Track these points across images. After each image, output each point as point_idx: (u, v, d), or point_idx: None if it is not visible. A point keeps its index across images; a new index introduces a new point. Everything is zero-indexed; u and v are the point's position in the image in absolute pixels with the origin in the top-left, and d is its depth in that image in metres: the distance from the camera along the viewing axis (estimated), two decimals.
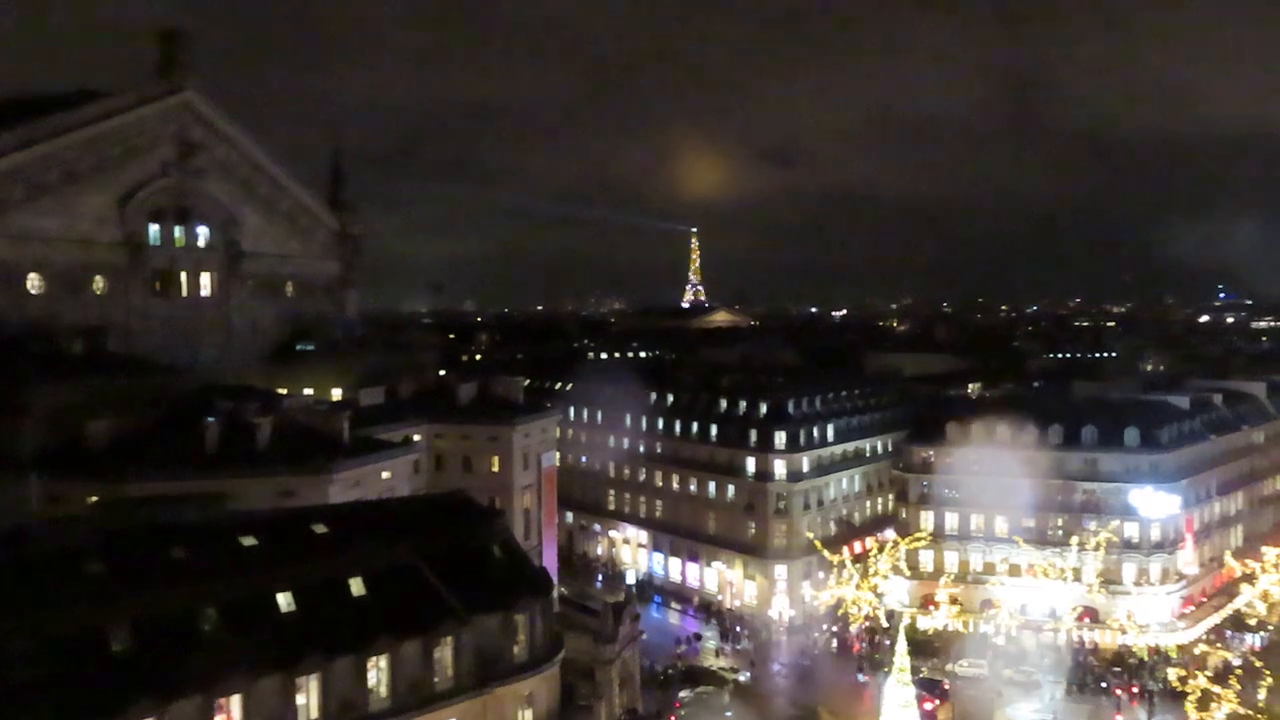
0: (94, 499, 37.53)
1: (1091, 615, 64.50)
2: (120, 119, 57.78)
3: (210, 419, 42.77)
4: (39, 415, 42.51)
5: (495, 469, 58.35)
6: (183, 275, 61.81)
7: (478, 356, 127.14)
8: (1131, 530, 65.21)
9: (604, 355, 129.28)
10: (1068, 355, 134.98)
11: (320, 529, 32.74)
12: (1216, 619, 67.17)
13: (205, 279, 63.09)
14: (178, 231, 61.41)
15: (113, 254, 57.72)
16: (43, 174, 54.41)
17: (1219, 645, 61.87)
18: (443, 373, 75.14)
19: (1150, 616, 64.22)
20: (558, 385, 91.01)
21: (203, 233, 62.82)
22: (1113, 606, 64.36)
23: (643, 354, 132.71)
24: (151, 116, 59.50)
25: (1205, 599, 68.67)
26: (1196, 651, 60.99)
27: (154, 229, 59.95)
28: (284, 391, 53.38)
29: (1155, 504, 64.93)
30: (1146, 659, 61.94)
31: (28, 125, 53.92)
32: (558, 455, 66.37)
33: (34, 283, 54.28)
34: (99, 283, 57.21)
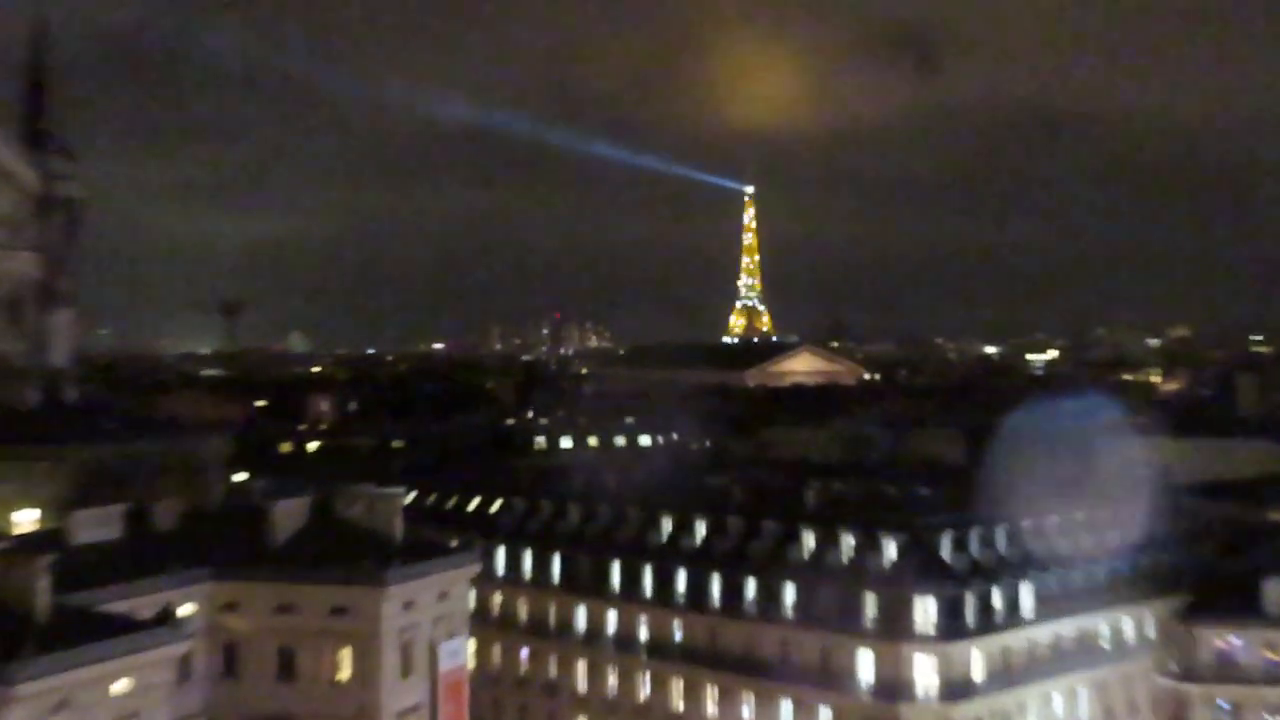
0: None
1: None
2: None
3: None
4: None
5: (344, 675, 60.08)
6: None
7: (312, 445, 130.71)
8: None
9: (568, 441, 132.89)
10: None
11: None
12: None
13: None
14: None
15: None
16: None
17: None
18: (242, 477, 78.15)
19: None
20: (473, 503, 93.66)
21: None
22: None
23: (645, 439, 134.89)
24: None
25: None
26: None
27: None
28: None
29: None
30: None
31: None
32: (472, 645, 69.37)
33: None
34: None
